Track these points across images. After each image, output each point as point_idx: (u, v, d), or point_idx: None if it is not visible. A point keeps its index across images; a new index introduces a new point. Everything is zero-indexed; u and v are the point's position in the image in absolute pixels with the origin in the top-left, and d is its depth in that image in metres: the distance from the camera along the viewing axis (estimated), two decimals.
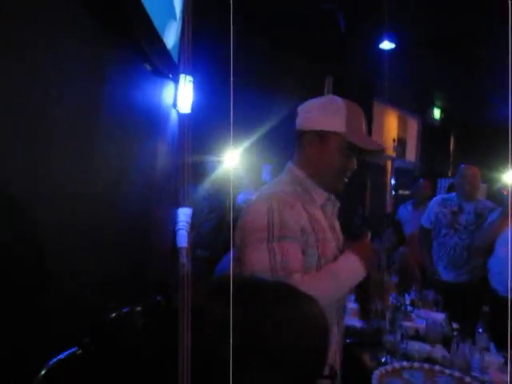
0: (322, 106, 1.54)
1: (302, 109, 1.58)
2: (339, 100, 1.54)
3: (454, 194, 4.05)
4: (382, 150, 1.65)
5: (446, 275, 3.91)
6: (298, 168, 1.56)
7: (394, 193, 7.84)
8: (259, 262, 1.33)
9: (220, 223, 3.82)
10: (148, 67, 2.50)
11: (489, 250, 3.76)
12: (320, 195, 1.56)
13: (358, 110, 1.56)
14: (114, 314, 1.92)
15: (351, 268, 1.47)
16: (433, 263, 4.00)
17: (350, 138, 1.49)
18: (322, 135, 1.50)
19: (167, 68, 2.68)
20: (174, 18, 2.60)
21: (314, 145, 1.52)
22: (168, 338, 0.57)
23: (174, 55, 2.68)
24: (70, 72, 1.69)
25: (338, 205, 1.67)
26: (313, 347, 0.64)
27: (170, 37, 2.55)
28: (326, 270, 1.44)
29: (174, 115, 3.43)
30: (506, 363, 2.15)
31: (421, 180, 5.40)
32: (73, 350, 1.57)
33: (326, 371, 0.66)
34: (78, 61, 1.74)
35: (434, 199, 4.20)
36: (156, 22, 2.13)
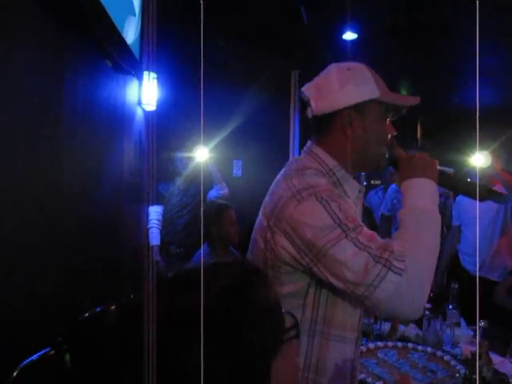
0: (343, 78, 1.30)
1: (314, 91, 1.33)
2: (355, 64, 1.35)
3: None
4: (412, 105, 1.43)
5: None
6: (329, 155, 1.32)
7: (365, 183, 7.95)
8: (354, 260, 1.09)
9: (192, 219, 3.82)
10: (109, 64, 2.47)
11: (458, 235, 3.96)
12: (353, 188, 1.36)
13: (369, 67, 1.35)
14: (87, 313, 1.90)
15: (414, 190, 1.27)
16: None
17: (387, 98, 1.33)
18: (357, 108, 1.30)
19: (129, 65, 2.66)
20: (133, 14, 2.57)
21: (353, 122, 1.30)
22: (141, 336, 0.58)
23: (135, 51, 2.66)
24: (28, 70, 1.66)
25: (362, 196, 1.48)
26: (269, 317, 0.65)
27: (130, 33, 2.52)
28: (400, 218, 1.24)
29: (139, 113, 3.40)
30: (475, 336, 2.22)
31: (391, 167, 5.51)
32: (46, 350, 1.55)
33: (288, 323, 0.66)
34: (35, 58, 1.71)
35: (392, 186, 4.31)
36: (114, 18, 2.11)
